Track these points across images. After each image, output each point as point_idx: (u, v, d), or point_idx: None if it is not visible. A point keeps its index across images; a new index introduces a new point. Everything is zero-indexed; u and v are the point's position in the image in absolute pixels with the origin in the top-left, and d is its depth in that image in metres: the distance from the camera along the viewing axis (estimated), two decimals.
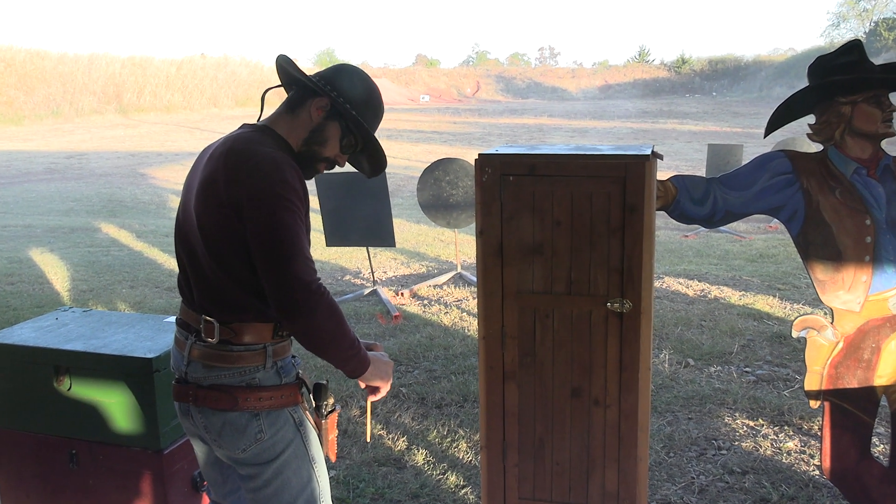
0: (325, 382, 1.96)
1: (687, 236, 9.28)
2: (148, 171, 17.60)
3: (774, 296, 6.23)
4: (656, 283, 6.62)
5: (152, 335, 2.67)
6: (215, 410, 1.81)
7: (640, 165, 2.17)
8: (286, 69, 1.90)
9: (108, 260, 8.40)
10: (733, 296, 6.26)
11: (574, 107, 38.17)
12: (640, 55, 65.52)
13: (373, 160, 2.03)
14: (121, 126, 30.87)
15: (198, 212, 1.78)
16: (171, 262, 8.03)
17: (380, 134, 2.03)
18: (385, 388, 1.94)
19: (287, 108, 1.90)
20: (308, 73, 1.90)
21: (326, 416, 1.95)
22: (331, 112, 1.87)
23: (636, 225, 2.19)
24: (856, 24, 50.90)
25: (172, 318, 2.77)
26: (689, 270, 7.32)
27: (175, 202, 12.37)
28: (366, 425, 2.07)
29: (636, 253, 2.21)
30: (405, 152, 20.35)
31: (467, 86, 59.13)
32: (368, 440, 2.54)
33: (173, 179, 15.76)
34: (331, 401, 1.96)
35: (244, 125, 1.90)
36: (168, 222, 11.03)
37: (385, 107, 2.01)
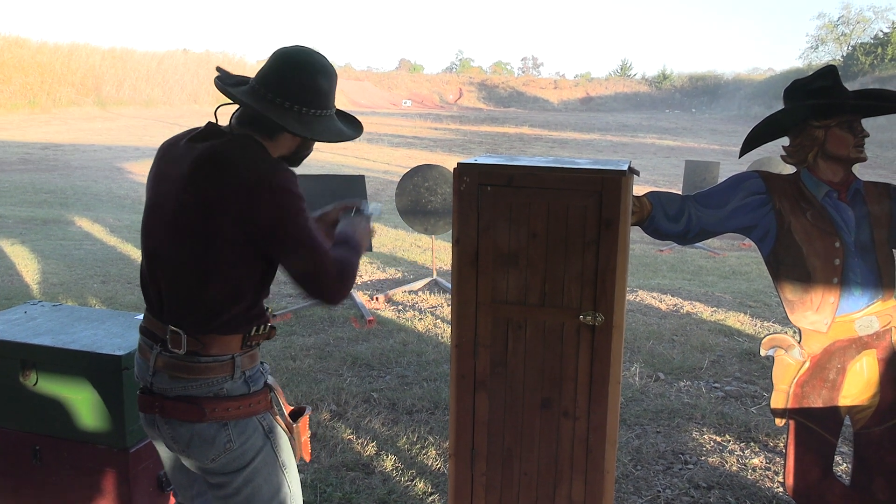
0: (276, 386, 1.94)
1: (662, 251, 9.37)
2: (125, 165, 17.42)
3: (745, 313, 6.30)
4: (630, 297, 6.67)
5: (122, 332, 2.65)
6: (183, 422, 1.78)
7: (616, 180, 2.19)
8: (246, 103, 1.78)
9: (80, 254, 8.29)
10: (705, 311, 6.32)
11: (555, 117, 38.39)
12: (622, 69, 66.25)
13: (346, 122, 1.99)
14: (98, 119, 30.54)
15: (183, 225, 1.72)
16: None
17: (361, 138, 2.02)
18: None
19: (266, 134, 1.82)
20: (249, 76, 1.83)
21: (297, 419, 1.94)
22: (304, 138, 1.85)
23: (611, 239, 2.22)
24: (833, 48, 51.87)
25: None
26: (662, 285, 7.39)
27: None
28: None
29: (610, 267, 2.23)
30: (385, 156, 20.35)
31: (450, 92, 59.28)
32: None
33: None
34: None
35: (221, 131, 1.81)
36: None
37: (367, 110, 1.99)
